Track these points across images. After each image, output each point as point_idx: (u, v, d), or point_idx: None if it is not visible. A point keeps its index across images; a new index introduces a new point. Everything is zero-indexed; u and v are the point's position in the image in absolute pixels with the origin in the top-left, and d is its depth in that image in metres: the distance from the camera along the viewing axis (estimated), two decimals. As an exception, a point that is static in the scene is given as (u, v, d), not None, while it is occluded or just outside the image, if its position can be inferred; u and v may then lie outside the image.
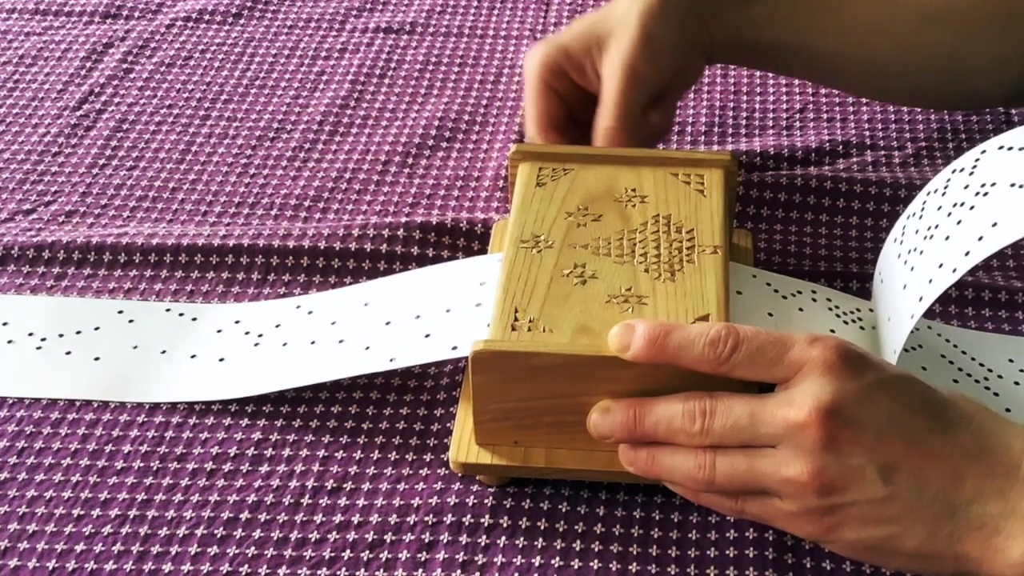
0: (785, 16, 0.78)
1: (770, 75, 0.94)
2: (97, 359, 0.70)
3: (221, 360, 0.70)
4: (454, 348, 0.64)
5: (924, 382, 0.55)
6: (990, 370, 0.67)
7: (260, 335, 0.71)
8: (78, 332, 0.72)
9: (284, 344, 0.70)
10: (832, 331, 0.66)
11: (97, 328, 0.72)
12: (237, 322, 0.72)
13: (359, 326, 0.69)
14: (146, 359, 0.70)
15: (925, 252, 0.61)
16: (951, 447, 0.53)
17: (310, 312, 0.72)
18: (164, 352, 0.71)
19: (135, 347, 0.71)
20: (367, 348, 0.67)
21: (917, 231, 0.63)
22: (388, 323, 0.69)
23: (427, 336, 0.66)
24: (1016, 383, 0.66)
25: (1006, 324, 0.72)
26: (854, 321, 0.67)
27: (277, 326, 0.71)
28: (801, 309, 0.67)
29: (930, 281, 0.59)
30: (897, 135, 0.88)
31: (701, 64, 0.78)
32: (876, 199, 0.80)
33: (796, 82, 0.93)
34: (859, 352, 0.55)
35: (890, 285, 0.65)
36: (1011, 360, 0.68)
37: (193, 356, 0.70)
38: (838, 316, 0.67)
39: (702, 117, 0.90)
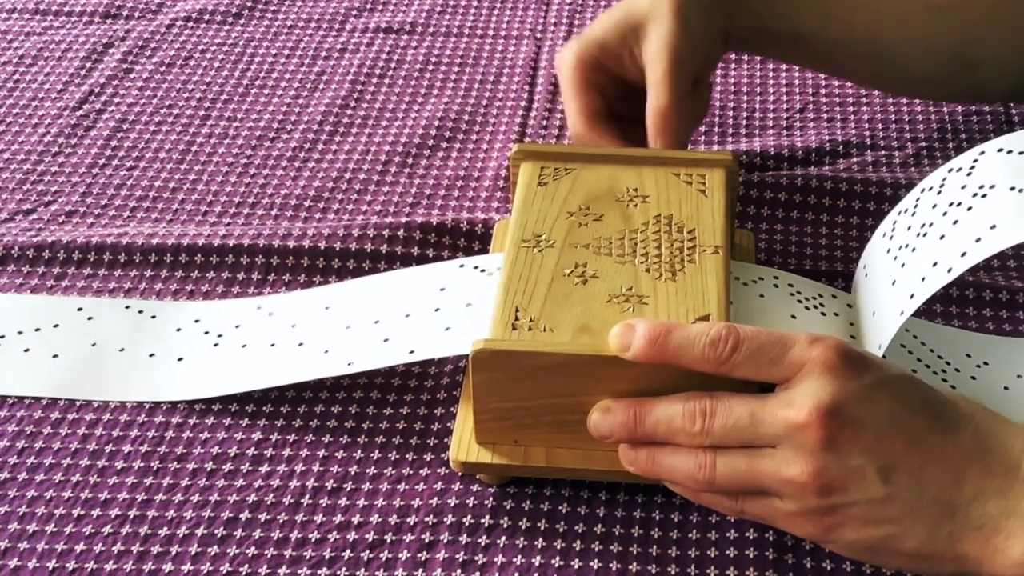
0: (795, 3, 0.78)
1: (770, 75, 0.94)
2: (55, 356, 0.70)
3: (180, 359, 0.70)
4: (411, 352, 0.65)
5: (924, 382, 0.55)
6: (948, 363, 0.67)
7: (220, 335, 0.71)
8: (37, 329, 0.72)
9: (243, 345, 0.70)
10: (793, 316, 0.66)
11: (56, 325, 0.72)
12: (197, 321, 0.72)
13: (319, 329, 0.70)
14: (104, 357, 0.70)
15: (918, 249, 0.61)
16: (951, 447, 0.53)
17: (270, 314, 0.72)
18: (123, 350, 0.71)
19: (94, 344, 0.71)
20: (326, 352, 0.68)
21: (909, 228, 0.63)
22: (348, 327, 0.69)
23: (385, 341, 0.67)
24: (972, 377, 0.66)
25: (1006, 324, 0.72)
26: (816, 307, 0.67)
27: (237, 327, 0.71)
28: (762, 295, 0.67)
29: (923, 279, 0.59)
30: (897, 135, 0.88)
31: (721, 50, 0.79)
32: (876, 199, 0.80)
33: (796, 82, 0.93)
34: (859, 352, 0.55)
35: (875, 279, 0.65)
36: (968, 355, 0.68)
37: (152, 355, 0.70)
38: (800, 302, 0.67)
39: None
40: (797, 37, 0.79)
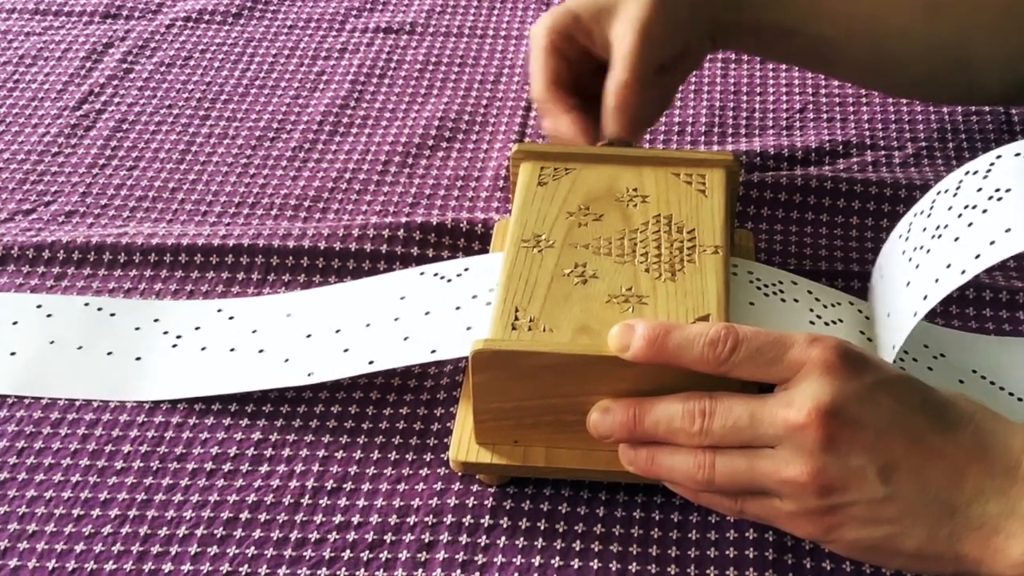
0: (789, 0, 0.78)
1: (770, 75, 0.94)
2: (13, 354, 0.70)
3: (138, 359, 0.70)
4: (370, 363, 0.65)
5: (924, 382, 0.55)
6: (906, 352, 0.67)
7: (179, 336, 0.71)
8: None
9: (203, 348, 0.70)
10: (811, 323, 0.66)
11: (15, 323, 0.72)
12: (156, 320, 0.72)
13: (280, 337, 0.70)
14: (62, 355, 0.70)
15: (932, 251, 0.61)
16: (951, 447, 0.53)
17: (231, 317, 0.72)
18: (80, 348, 0.70)
19: (52, 342, 0.71)
20: (286, 360, 0.68)
21: (925, 229, 0.63)
22: (308, 336, 0.69)
23: (345, 351, 0.67)
24: (929, 368, 0.67)
25: (1006, 324, 0.72)
26: (832, 320, 0.67)
27: (197, 328, 0.71)
28: (783, 300, 0.67)
29: (936, 280, 0.59)
30: (897, 135, 0.88)
31: (707, 47, 0.79)
32: (876, 199, 0.80)
33: (796, 82, 0.93)
34: (859, 352, 0.55)
35: (891, 281, 0.65)
36: (926, 346, 0.68)
37: (109, 353, 0.70)
38: (812, 309, 0.67)
39: (702, 117, 0.90)
40: (787, 33, 0.79)
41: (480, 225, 0.78)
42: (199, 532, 0.61)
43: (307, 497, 0.63)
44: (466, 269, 0.70)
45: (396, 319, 0.68)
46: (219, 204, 0.83)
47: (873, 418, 0.52)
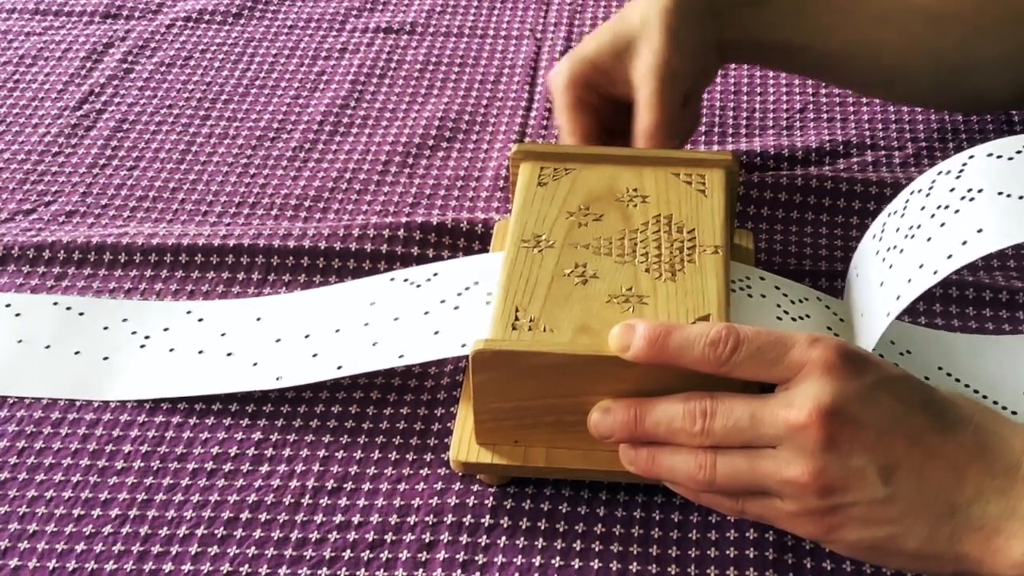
0: (793, 16, 0.78)
1: (770, 75, 0.94)
2: None
3: (105, 359, 0.70)
4: (339, 368, 0.66)
5: (924, 383, 0.55)
6: (872, 348, 0.67)
7: (147, 337, 0.71)
8: None
9: (171, 350, 0.70)
10: (779, 319, 0.66)
11: None
12: (125, 320, 0.72)
13: (249, 341, 0.70)
14: (30, 354, 0.70)
15: (905, 251, 0.61)
16: (952, 447, 0.53)
17: (200, 319, 0.72)
18: (48, 347, 0.70)
19: (19, 341, 0.71)
20: (255, 364, 0.68)
21: (898, 229, 0.63)
22: (278, 340, 0.69)
23: (314, 356, 0.67)
24: (895, 364, 0.66)
25: (1006, 324, 0.72)
26: (799, 316, 0.67)
27: (165, 329, 0.71)
28: (750, 296, 0.67)
29: (909, 281, 0.59)
30: (897, 135, 0.88)
31: (717, 63, 0.79)
32: (876, 199, 0.80)
33: (796, 82, 0.93)
34: (860, 352, 0.55)
35: (865, 280, 0.65)
36: (892, 342, 0.68)
37: (77, 353, 0.70)
38: (778, 305, 0.67)
39: (702, 117, 0.90)
40: (792, 49, 0.79)
41: (480, 225, 0.78)
42: (199, 532, 0.61)
43: (307, 497, 0.63)
44: (435, 274, 0.70)
45: (365, 324, 0.68)
46: (219, 204, 0.83)
47: (874, 418, 0.52)
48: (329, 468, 0.64)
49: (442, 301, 0.67)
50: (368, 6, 1.05)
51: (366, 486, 0.63)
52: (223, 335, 0.70)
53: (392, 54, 0.98)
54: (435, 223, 0.78)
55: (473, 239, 0.78)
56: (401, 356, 0.65)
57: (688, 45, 0.74)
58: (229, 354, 0.69)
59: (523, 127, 0.90)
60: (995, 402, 0.64)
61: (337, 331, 0.68)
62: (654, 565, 0.59)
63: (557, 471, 0.61)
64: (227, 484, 0.63)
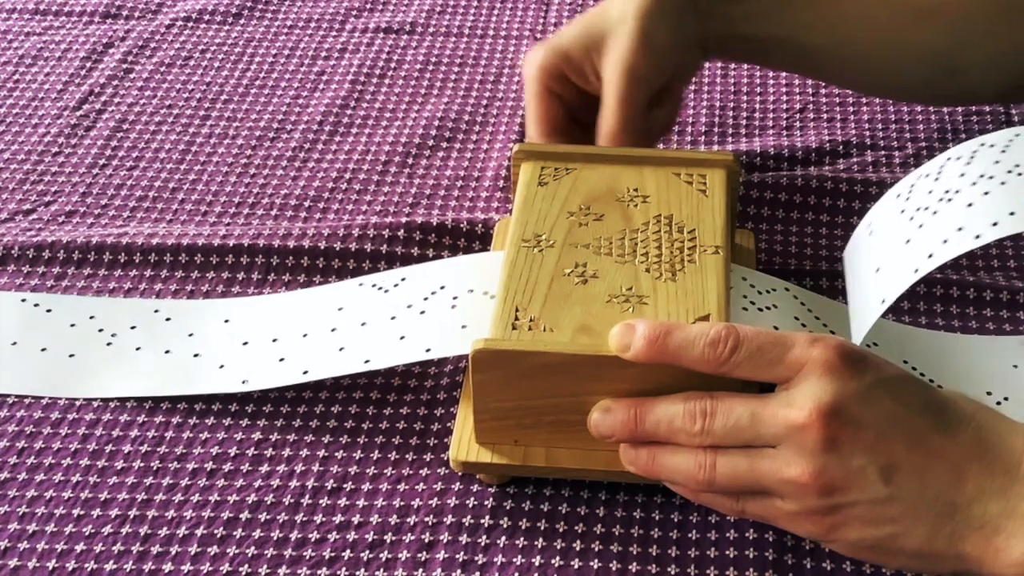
0: (777, 11, 0.78)
1: (770, 75, 0.94)
2: None
3: (71, 356, 0.70)
4: (305, 372, 0.66)
5: (925, 382, 0.55)
6: (832, 332, 0.67)
7: (114, 335, 0.71)
8: None
9: (137, 348, 0.70)
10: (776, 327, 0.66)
11: None
12: (92, 318, 0.72)
13: (216, 343, 0.70)
14: None
15: (940, 213, 0.60)
16: (952, 446, 0.53)
17: (168, 319, 0.72)
18: (15, 344, 0.70)
19: None
20: (221, 367, 0.68)
21: (931, 192, 0.62)
22: (245, 343, 0.69)
23: (281, 360, 0.67)
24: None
25: (1007, 324, 0.72)
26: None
27: (132, 328, 0.71)
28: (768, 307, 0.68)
29: (945, 241, 0.58)
30: (897, 135, 0.88)
31: (699, 58, 0.79)
32: (876, 199, 0.80)
33: (796, 82, 0.93)
34: (860, 352, 0.55)
35: (885, 236, 0.64)
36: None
37: (44, 349, 0.70)
38: (796, 317, 0.68)
39: (702, 117, 0.90)
40: (776, 43, 0.79)
41: (480, 225, 0.78)
42: (199, 532, 0.61)
43: (307, 497, 0.62)
44: (403, 279, 0.70)
45: (333, 330, 0.68)
46: (219, 204, 0.83)
47: (874, 418, 0.52)
48: (329, 468, 0.64)
49: (408, 306, 0.68)
50: (368, 6, 1.05)
51: (366, 486, 0.63)
52: (190, 335, 0.70)
53: (392, 54, 0.98)
54: (435, 223, 0.78)
55: (473, 239, 0.78)
56: (367, 361, 0.65)
57: (661, 46, 0.73)
58: (196, 355, 0.69)
59: (523, 127, 0.90)
60: None
61: (305, 336, 0.69)
62: (654, 565, 0.59)
63: (557, 471, 0.61)
64: (227, 484, 0.63)
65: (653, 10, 0.73)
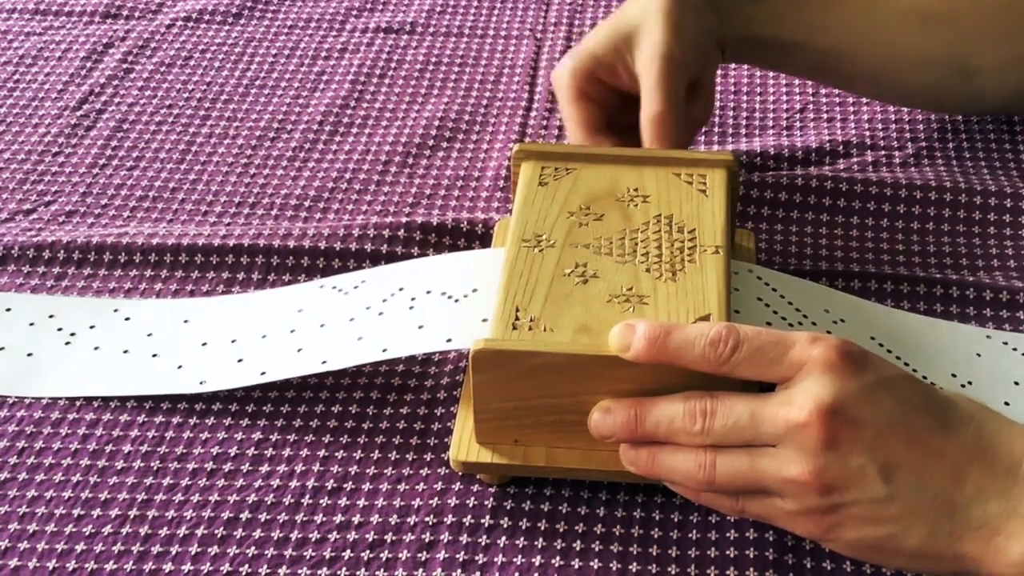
0: (790, 14, 0.78)
1: (770, 75, 0.94)
2: None
3: (29, 355, 0.70)
4: (262, 374, 0.66)
5: (924, 382, 0.55)
6: (805, 315, 0.68)
7: (72, 334, 0.71)
8: None
9: (96, 348, 0.70)
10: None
11: None
12: (51, 317, 0.72)
13: (175, 343, 0.70)
14: None
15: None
16: (952, 446, 0.53)
17: (127, 318, 0.72)
18: None
19: None
20: (179, 367, 0.68)
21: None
22: (204, 344, 0.69)
23: (239, 361, 0.67)
24: (828, 332, 0.67)
25: (1007, 324, 0.72)
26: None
27: (91, 327, 0.71)
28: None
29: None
30: (897, 135, 0.88)
31: (719, 57, 0.79)
32: (876, 199, 0.80)
33: (796, 82, 0.93)
34: (860, 351, 0.55)
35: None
36: (827, 311, 0.69)
37: (1, 348, 0.70)
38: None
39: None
40: (787, 47, 0.79)
41: (480, 225, 0.78)
42: (199, 532, 0.61)
43: (307, 497, 0.62)
44: (363, 281, 0.71)
45: (292, 331, 0.68)
46: (219, 204, 0.83)
47: (874, 417, 0.52)
48: (329, 468, 0.64)
49: (367, 308, 0.68)
50: (368, 6, 1.05)
51: (366, 486, 0.63)
52: (149, 335, 0.70)
53: (392, 54, 0.98)
54: (435, 223, 0.78)
55: (473, 239, 0.78)
56: (324, 362, 0.65)
57: (689, 34, 0.74)
58: (154, 355, 0.69)
59: (523, 127, 0.90)
60: (924, 377, 0.66)
61: (264, 337, 0.69)
62: (654, 565, 0.59)
63: (557, 471, 0.61)
64: (227, 484, 0.63)
65: (676, 4, 0.73)
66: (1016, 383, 0.66)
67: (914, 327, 0.70)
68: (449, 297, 0.66)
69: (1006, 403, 0.65)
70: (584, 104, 0.76)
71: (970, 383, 0.66)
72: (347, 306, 0.69)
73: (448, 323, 0.64)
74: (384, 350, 0.64)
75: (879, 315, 0.70)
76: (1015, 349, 0.69)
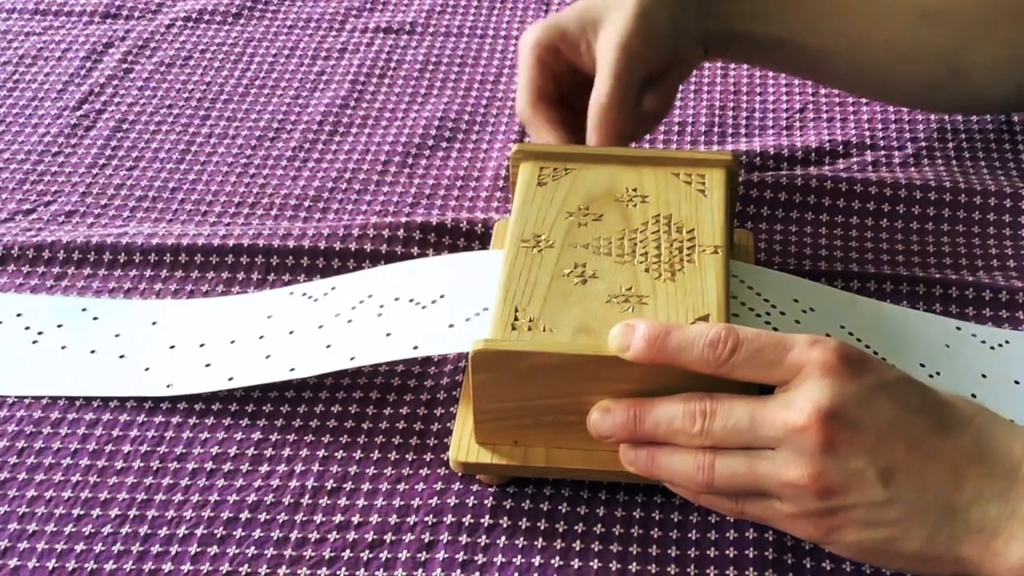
0: (779, 10, 0.78)
1: (770, 75, 0.94)
2: None
3: None
4: (230, 379, 0.66)
5: (924, 384, 0.55)
6: (773, 306, 0.68)
7: (40, 332, 0.71)
8: None
9: (63, 347, 0.70)
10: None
11: None
12: (19, 315, 0.72)
13: (143, 345, 0.70)
14: None
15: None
16: (951, 449, 0.53)
17: (95, 318, 0.72)
18: None
19: None
20: (147, 369, 0.68)
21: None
22: (172, 347, 0.69)
23: (207, 366, 0.67)
24: (796, 321, 0.67)
25: (1007, 324, 0.72)
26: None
27: (59, 326, 0.71)
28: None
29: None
30: (897, 135, 0.88)
31: (699, 54, 0.79)
32: (876, 199, 0.80)
33: (796, 82, 0.93)
34: (859, 353, 0.54)
35: None
36: (796, 300, 0.69)
37: None
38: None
39: (702, 117, 0.90)
40: (777, 43, 0.79)
41: (480, 225, 0.78)
42: (199, 532, 0.61)
43: (307, 497, 0.63)
44: (333, 288, 0.71)
45: (260, 337, 0.68)
46: (219, 204, 0.83)
47: (873, 420, 0.52)
48: (329, 468, 0.64)
49: (336, 315, 0.68)
50: (368, 6, 1.05)
51: (366, 486, 0.63)
52: (117, 336, 0.70)
53: (392, 54, 0.98)
54: (435, 223, 0.78)
55: (473, 239, 0.78)
56: (292, 369, 0.65)
57: (658, 29, 0.73)
58: (121, 356, 0.69)
59: (523, 127, 0.90)
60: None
61: (232, 342, 0.69)
62: (654, 565, 0.59)
63: (557, 471, 0.61)
64: (227, 484, 0.63)
65: None
66: (983, 375, 0.66)
67: (884, 316, 0.70)
68: (417, 304, 0.66)
69: (973, 395, 0.65)
70: (540, 72, 0.76)
71: (938, 373, 0.66)
72: (316, 313, 0.69)
73: (414, 331, 0.64)
74: (352, 358, 0.64)
75: (848, 304, 0.70)
76: (984, 342, 0.69)
